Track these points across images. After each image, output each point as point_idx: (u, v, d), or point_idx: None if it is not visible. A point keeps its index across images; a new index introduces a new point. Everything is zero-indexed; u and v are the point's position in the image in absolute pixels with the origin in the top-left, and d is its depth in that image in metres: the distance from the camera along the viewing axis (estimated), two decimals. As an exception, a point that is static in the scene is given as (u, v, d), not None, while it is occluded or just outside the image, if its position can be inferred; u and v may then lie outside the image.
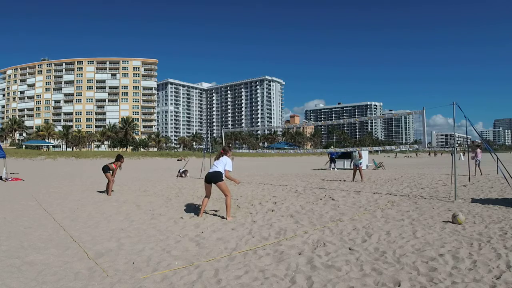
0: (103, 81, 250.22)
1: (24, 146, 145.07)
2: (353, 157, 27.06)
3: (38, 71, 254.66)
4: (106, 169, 19.19)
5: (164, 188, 22.02)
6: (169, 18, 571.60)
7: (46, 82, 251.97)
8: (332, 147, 65.82)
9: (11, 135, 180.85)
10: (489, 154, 23.04)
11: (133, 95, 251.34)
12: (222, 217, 12.53)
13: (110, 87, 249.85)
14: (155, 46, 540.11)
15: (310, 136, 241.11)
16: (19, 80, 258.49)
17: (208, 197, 13.08)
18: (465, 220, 10.96)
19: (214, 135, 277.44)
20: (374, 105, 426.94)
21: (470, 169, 23.54)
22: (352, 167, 28.38)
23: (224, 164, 12.66)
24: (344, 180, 26.49)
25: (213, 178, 12.54)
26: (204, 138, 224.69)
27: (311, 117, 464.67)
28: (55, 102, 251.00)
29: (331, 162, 44.23)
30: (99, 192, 20.23)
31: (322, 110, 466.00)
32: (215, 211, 13.97)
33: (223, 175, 12.57)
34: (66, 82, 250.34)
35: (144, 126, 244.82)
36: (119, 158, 19.69)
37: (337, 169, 43.20)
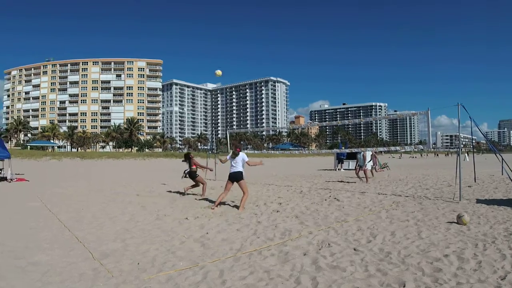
0: (108, 81, 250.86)
1: (29, 146, 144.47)
2: (357, 159, 26.89)
3: (43, 72, 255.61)
4: (193, 175, 18.93)
5: (169, 189, 21.97)
6: (174, 19, 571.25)
7: (51, 83, 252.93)
8: (343, 147, 64.86)
9: (16, 135, 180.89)
10: (494, 155, 22.99)
11: (138, 95, 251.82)
12: (226, 220, 12.47)
13: (115, 88, 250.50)
14: (160, 46, 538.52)
15: (315, 136, 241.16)
16: (24, 81, 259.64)
17: (226, 193, 14.82)
18: (470, 221, 10.96)
19: (219, 135, 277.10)
20: (379, 106, 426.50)
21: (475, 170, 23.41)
22: (355, 168, 28.25)
23: (241, 160, 14.40)
24: (349, 182, 26.40)
25: (236, 177, 14.29)
26: (209, 139, 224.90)
27: (316, 117, 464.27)
28: (60, 103, 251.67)
29: (338, 163, 44.15)
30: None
31: (326, 111, 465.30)
32: (228, 203, 14.00)
33: (243, 173, 14.50)
34: (71, 82, 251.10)
35: (149, 127, 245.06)
36: (188, 156, 19.40)
37: (344, 169, 43.12)
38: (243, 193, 14.61)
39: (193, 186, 19.16)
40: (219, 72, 22.86)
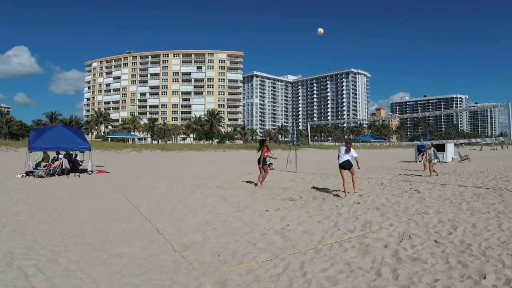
0: (189, 73, 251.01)
1: (109, 138, 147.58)
2: (427, 153, 26.65)
3: (123, 64, 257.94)
4: (265, 161, 19.54)
5: (250, 181, 22.14)
6: (254, 11, 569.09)
7: (131, 75, 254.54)
8: (423, 139, 63.79)
9: (96, 127, 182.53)
10: None
11: (219, 87, 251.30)
12: (307, 212, 12.52)
13: (195, 80, 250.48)
14: (241, 39, 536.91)
15: (396, 128, 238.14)
16: (104, 73, 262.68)
17: (346, 181, 16.29)
18: (550, 213, 10.86)
19: (300, 127, 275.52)
20: (460, 98, 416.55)
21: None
22: (422, 160, 28.37)
23: (350, 153, 16.48)
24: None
25: (347, 166, 16.36)
26: (290, 131, 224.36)
27: (397, 109, 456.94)
28: (140, 95, 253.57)
29: (419, 154, 43.78)
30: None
31: (407, 103, 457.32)
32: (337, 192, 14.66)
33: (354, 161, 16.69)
34: (151, 74, 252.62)
35: (229, 119, 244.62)
36: (263, 142, 19.94)
37: (425, 162, 42.56)
38: (351, 175, 16.76)
39: (263, 177, 19.51)
40: (320, 30, 23.17)
